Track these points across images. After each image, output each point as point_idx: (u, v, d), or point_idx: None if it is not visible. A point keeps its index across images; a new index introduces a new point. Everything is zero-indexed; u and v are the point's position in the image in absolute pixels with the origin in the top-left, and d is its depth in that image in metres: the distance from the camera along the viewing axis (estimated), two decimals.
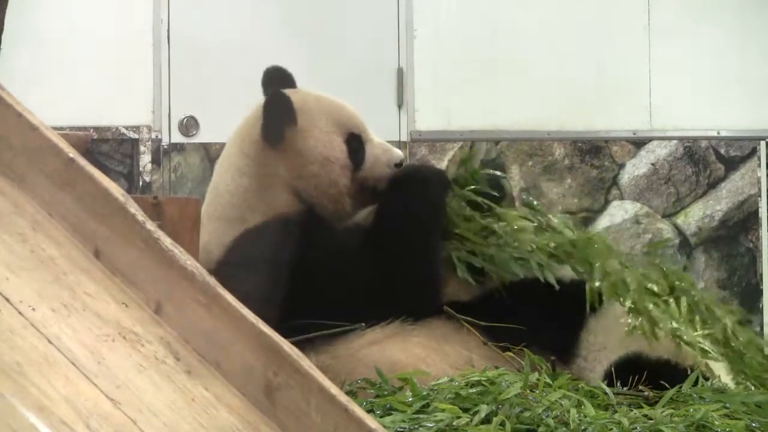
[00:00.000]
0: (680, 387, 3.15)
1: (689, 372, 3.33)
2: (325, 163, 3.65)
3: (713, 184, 7.06)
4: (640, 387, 3.26)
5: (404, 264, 3.53)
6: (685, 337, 3.48)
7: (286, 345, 2.14)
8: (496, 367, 3.27)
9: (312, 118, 3.68)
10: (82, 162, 2.31)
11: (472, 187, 3.69)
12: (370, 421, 2.06)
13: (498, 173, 3.81)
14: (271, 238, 3.56)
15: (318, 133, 3.67)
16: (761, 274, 6.99)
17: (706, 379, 3.35)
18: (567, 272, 3.63)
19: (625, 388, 3.27)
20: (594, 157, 7.06)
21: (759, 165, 7.04)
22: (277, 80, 3.84)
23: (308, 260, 3.51)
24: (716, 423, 2.85)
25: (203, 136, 6.92)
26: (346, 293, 3.49)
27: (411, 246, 3.55)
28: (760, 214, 7.03)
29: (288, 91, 3.71)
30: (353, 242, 3.57)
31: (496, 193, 3.71)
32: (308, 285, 3.48)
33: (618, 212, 6.97)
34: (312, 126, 3.67)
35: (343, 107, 3.77)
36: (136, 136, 6.88)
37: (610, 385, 3.24)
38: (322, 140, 3.66)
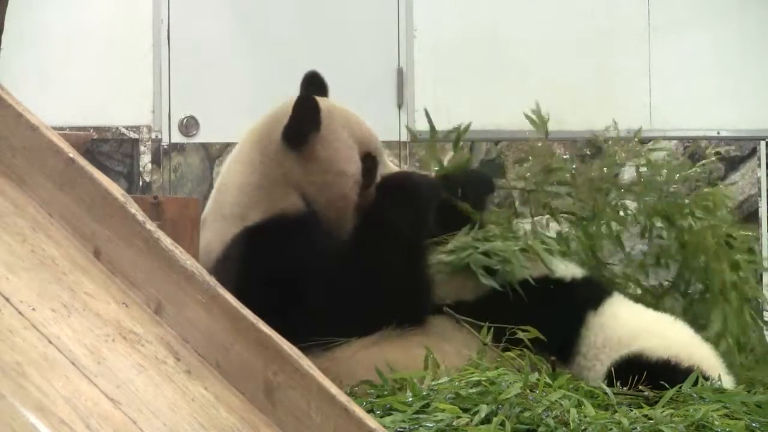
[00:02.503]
0: (680, 387, 3.15)
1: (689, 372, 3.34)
2: (340, 175, 3.62)
3: (713, 184, 7.05)
4: (640, 387, 3.25)
5: (389, 275, 3.49)
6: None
7: (286, 345, 2.14)
8: (496, 367, 3.27)
9: (335, 130, 3.65)
10: (82, 162, 2.32)
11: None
12: (370, 421, 2.07)
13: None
14: (270, 237, 3.54)
15: (339, 145, 3.65)
16: (761, 274, 6.98)
17: (706, 379, 3.35)
18: (569, 270, 3.63)
19: (625, 388, 3.27)
20: (594, 157, 7.05)
21: (759, 165, 7.04)
22: (314, 86, 3.81)
23: (304, 265, 3.49)
24: (716, 423, 2.85)
25: (203, 136, 6.91)
26: (338, 300, 3.47)
27: (396, 256, 3.51)
28: (760, 214, 7.02)
29: (318, 99, 3.70)
30: (346, 249, 3.55)
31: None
32: (302, 289, 3.46)
33: None
34: (334, 137, 3.65)
35: (366, 126, 3.76)
36: (136, 136, 6.88)
37: (610, 385, 3.24)
38: (342, 153, 3.64)
